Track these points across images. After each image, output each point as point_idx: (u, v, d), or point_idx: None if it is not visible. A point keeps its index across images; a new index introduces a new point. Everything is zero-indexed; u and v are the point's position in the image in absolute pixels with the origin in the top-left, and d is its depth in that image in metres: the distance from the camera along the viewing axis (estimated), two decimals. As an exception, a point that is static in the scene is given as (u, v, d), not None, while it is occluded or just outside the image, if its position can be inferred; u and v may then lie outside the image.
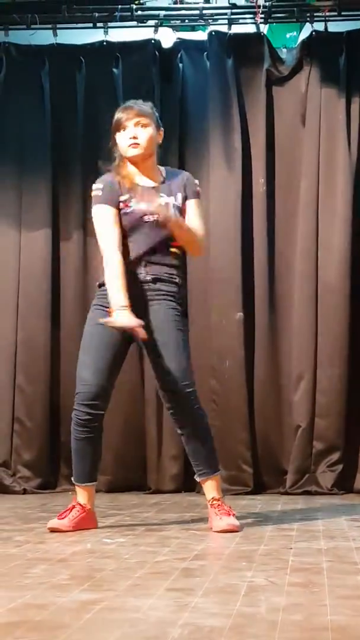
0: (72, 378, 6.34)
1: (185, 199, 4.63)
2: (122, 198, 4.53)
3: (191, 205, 4.64)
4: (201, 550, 3.86)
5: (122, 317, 4.35)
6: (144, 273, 4.53)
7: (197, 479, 4.66)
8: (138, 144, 4.56)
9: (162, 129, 4.72)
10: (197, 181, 4.73)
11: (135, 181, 4.57)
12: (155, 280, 4.54)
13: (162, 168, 4.73)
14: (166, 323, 4.53)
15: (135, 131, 4.56)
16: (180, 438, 4.68)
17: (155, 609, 2.76)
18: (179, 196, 4.61)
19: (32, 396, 6.42)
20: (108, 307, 4.42)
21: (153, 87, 6.50)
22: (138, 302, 4.45)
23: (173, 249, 4.58)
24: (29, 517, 5.06)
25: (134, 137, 4.55)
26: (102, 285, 4.57)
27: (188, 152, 6.51)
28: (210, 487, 4.60)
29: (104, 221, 4.53)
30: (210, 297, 6.31)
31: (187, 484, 6.28)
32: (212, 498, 4.57)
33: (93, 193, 4.58)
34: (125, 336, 4.49)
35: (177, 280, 4.60)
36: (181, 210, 4.59)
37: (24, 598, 2.92)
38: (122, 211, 4.52)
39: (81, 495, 4.61)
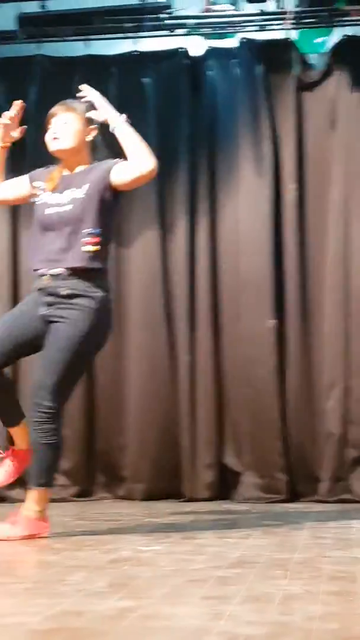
0: (109, 387, 6.44)
1: (104, 178, 4.48)
2: (34, 184, 4.64)
3: (118, 162, 4.54)
4: (236, 559, 3.87)
5: None
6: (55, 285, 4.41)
7: None
8: (57, 138, 4.58)
9: (93, 126, 4.66)
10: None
11: (56, 179, 4.58)
12: (71, 296, 4.39)
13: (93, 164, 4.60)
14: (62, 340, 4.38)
15: (56, 127, 4.60)
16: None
17: (191, 617, 2.77)
18: (86, 187, 4.45)
19: (69, 405, 6.43)
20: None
21: (183, 96, 6.53)
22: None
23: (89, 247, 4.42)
24: (67, 525, 5.09)
25: (54, 132, 4.60)
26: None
27: (218, 159, 6.53)
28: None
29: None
30: (241, 304, 6.31)
31: (222, 492, 6.30)
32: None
33: None
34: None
35: (94, 292, 4.41)
36: (95, 199, 4.43)
37: (61, 605, 2.95)
38: (32, 200, 4.62)
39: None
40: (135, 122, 6.53)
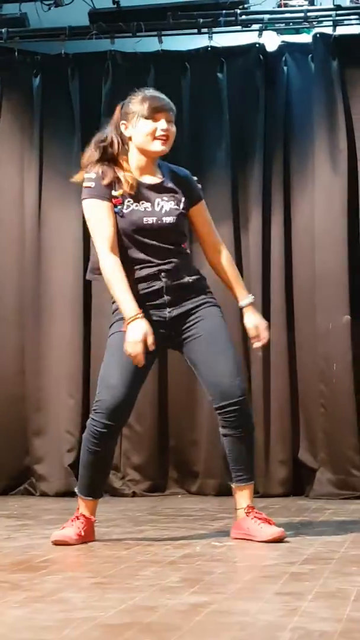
0: (181, 383, 6.44)
1: (191, 201, 4.34)
2: (114, 193, 4.20)
3: (202, 208, 4.41)
4: (310, 555, 3.84)
5: (135, 333, 4.09)
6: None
7: (234, 485, 4.34)
8: (167, 140, 4.26)
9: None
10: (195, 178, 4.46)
11: (136, 179, 4.24)
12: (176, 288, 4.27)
13: (161, 166, 4.39)
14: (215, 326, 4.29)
15: (168, 125, 4.25)
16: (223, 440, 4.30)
17: (265, 613, 2.75)
18: (183, 200, 4.30)
19: (141, 400, 6.40)
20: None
21: (258, 91, 6.51)
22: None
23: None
24: (139, 520, 5.10)
25: (166, 131, 4.24)
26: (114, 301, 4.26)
27: (293, 155, 6.50)
28: (247, 495, 4.33)
29: (101, 216, 4.19)
30: (317, 300, 6.26)
31: (296, 489, 6.27)
32: (248, 506, 4.31)
33: (85, 183, 4.23)
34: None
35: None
36: (185, 214, 4.30)
37: (134, 600, 2.95)
38: (116, 209, 4.20)
39: (86, 507, 4.32)
40: (210, 118, 6.58)
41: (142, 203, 4.22)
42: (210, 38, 6.56)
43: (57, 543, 4.16)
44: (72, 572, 3.52)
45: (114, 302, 4.29)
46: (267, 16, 6.52)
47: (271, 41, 6.60)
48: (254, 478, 4.35)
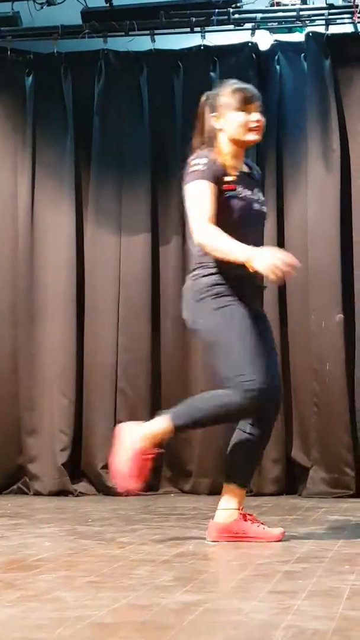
0: (174, 382, 6.45)
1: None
2: (227, 178, 4.18)
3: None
4: (304, 553, 3.84)
5: (265, 257, 3.94)
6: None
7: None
8: (260, 129, 4.31)
9: None
10: None
11: (237, 167, 4.27)
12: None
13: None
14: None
15: (259, 116, 4.30)
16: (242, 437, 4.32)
17: (258, 612, 2.76)
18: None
19: (134, 400, 6.48)
20: (241, 293, 4.10)
21: (251, 90, 6.50)
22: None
23: None
24: (132, 519, 5.10)
25: (258, 122, 4.29)
26: (212, 274, 4.14)
27: (286, 154, 6.50)
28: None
29: (204, 195, 4.13)
30: (310, 299, 6.27)
31: (289, 487, 6.27)
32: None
33: (193, 168, 4.20)
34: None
35: None
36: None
37: (127, 599, 2.95)
38: (229, 194, 4.18)
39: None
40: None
41: (246, 190, 4.23)
42: (203, 37, 6.57)
43: None
44: (66, 571, 3.51)
45: (204, 285, 4.15)
46: (259, 15, 6.53)
47: (264, 40, 6.60)
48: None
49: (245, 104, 4.28)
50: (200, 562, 3.67)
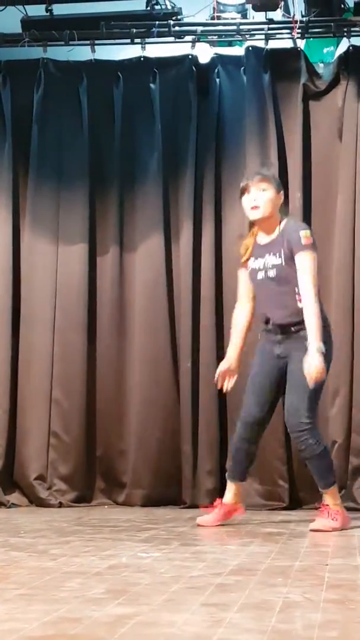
0: (110, 392, 6.43)
1: (291, 253, 5.04)
2: (242, 260, 5.26)
3: (298, 259, 5.04)
4: (236, 566, 3.85)
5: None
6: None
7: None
8: (258, 206, 5.08)
9: (282, 191, 5.25)
10: (303, 232, 5.09)
11: (250, 247, 5.21)
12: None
13: (283, 222, 5.17)
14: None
15: (256, 195, 5.08)
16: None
17: (191, 624, 2.75)
18: (282, 253, 5.06)
19: (68, 410, 6.44)
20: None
21: (190, 102, 6.53)
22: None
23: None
24: (65, 531, 5.07)
25: (254, 200, 5.09)
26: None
27: (224, 167, 6.52)
28: (325, 497, 5.13)
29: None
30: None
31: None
32: (321, 504, 5.15)
33: (312, 240, 5.11)
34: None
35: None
36: (289, 265, 5.04)
37: (59, 611, 2.93)
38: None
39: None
40: (142, 128, 6.58)
41: (256, 261, 5.28)
42: (143, 48, 6.57)
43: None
44: (-3, 583, 3.48)
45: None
46: (200, 28, 6.56)
47: (204, 53, 6.63)
48: (327, 486, 5.15)
49: (245, 190, 5.16)
50: (133, 575, 3.65)
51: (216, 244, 6.45)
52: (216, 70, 6.57)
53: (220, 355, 6.34)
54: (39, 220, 6.57)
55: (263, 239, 5.19)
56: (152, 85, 6.58)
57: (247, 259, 5.21)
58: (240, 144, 6.46)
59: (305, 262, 5.01)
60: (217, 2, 6.47)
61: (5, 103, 6.63)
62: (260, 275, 5.13)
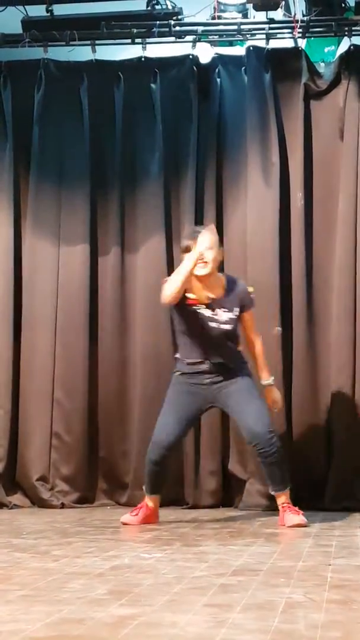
0: (112, 393, 6.43)
1: (242, 309, 5.46)
2: (191, 295, 5.39)
3: (247, 316, 5.51)
4: (239, 566, 3.84)
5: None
6: None
7: (272, 492, 5.43)
8: (207, 263, 5.34)
9: (222, 248, 5.54)
10: (249, 289, 5.52)
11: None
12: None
13: (222, 277, 5.50)
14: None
15: (205, 253, 5.32)
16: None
17: (193, 625, 2.74)
18: (236, 310, 5.43)
19: (70, 411, 6.44)
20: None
21: (191, 102, 6.52)
22: None
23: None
24: (67, 532, 5.07)
25: (205, 257, 5.33)
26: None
27: (225, 167, 6.52)
28: (281, 498, 5.38)
29: None
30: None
31: (226, 500, 6.27)
32: (282, 502, 5.36)
33: None
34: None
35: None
36: (238, 319, 5.45)
37: (61, 613, 2.92)
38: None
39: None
40: (143, 128, 6.58)
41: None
42: (144, 48, 6.57)
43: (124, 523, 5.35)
44: (-1, 584, 3.48)
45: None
46: (201, 28, 6.55)
47: (205, 53, 6.62)
48: (286, 487, 5.39)
49: (188, 249, 5.38)
50: (135, 575, 3.65)
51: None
52: (217, 70, 6.56)
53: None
54: (40, 222, 6.57)
55: (208, 291, 5.44)
56: (152, 86, 6.57)
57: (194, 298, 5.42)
58: (242, 143, 6.45)
59: (252, 317, 5.55)
60: (217, 1, 6.46)
61: (6, 103, 6.63)
62: (213, 324, 5.42)
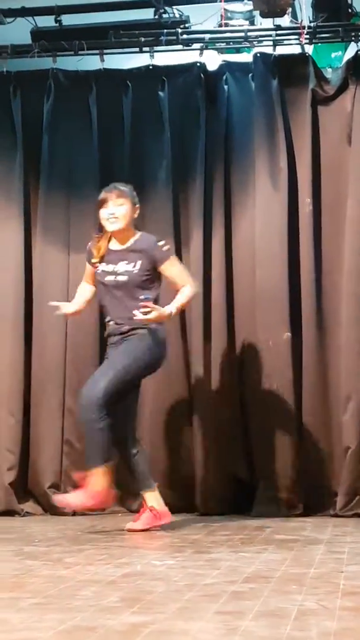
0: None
1: (154, 264, 5.50)
2: (92, 260, 5.64)
3: (166, 268, 5.52)
4: (251, 573, 3.84)
5: None
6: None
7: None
8: (116, 218, 5.52)
9: (137, 205, 5.63)
10: (161, 242, 5.56)
11: (103, 250, 5.61)
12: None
13: (137, 236, 5.61)
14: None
15: (114, 208, 5.53)
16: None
17: (205, 632, 2.75)
18: (139, 263, 5.49)
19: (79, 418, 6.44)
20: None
21: (198, 109, 6.54)
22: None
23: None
24: (79, 539, 5.08)
25: (112, 214, 5.52)
26: None
27: (234, 173, 6.53)
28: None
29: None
30: (258, 317, 6.29)
31: (237, 507, 6.26)
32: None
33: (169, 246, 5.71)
34: None
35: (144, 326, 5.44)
36: (144, 274, 5.48)
37: (73, 620, 2.93)
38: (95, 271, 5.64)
39: None
40: (151, 136, 6.59)
41: (108, 265, 5.66)
42: (152, 57, 6.59)
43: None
44: (11, 592, 3.49)
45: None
46: (208, 35, 6.56)
47: (212, 60, 6.63)
48: (96, 464, 5.37)
49: (102, 203, 5.58)
50: (147, 583, 3.66)
51: (226, 249, 6.46)
52: (224, 77, 6.58)
53: (232, 359, 6.37)
54: (50, 229, 6.59)
55: (116, 246, 5.61)
56: (160, 93, 6.59)
57: (99, 261, 5.62)
58: (249, 150, 6.46)
59: (176, 267, 5.58)
60: (224, 9, 6.47)
61: (16, 113, 6.65)
62: (110, 278, 5.54)
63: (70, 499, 5.57)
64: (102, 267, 5.60)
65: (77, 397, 5.39)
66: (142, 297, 5.45)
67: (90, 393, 5.34)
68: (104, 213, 5.59)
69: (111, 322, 5.58)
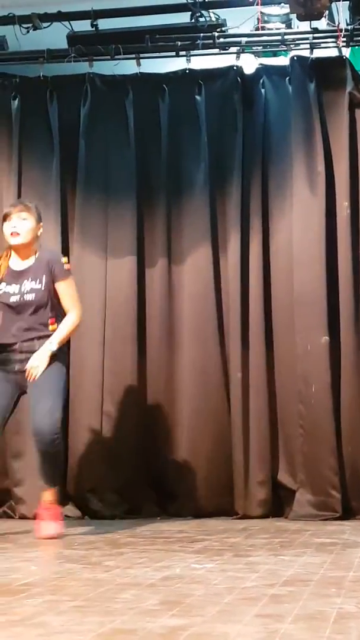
0: (160, 404, 6.45)
1: (53, 278, 5.43)
2: None
3: (60, 286, 5.45)
4: (290, 576, 3.83)
5: None
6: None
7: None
8: (18, 233, 5.43)
9: (41, 223, 5.55)
10: (65, 259, 5.57)
11: (3, 270, 5.48)
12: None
13: (40, 252, 5.52)
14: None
15: (16, 222, 5.44)
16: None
17: (244, 636, 2.75)
18: (44, 278, 5.41)
19: (120, 423, 6.46)
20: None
21: (236, 113, 6.54)
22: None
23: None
24: (118, 542, 5.08)
25: (14, 227, 5.44)
26: None
27: (271, 177, 6.52)
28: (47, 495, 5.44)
29: None
30: (296, 321, 6.28)
31: (275, 510, 6.26)
32: (46, 500, 5.42)
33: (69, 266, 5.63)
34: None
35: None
36: (50, 289, 5.41)
37: (113, 623, 2.94)
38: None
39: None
40: (188, 140, 6.60)
41: (10, 286, 5.52)
42: (188, 61, 6.60)
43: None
44: (52, 595, 3.50)
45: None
46: (244, 39, 6.56)
47: (249, 64, 6.63)
48: (52, 485, 5.45)
49: (5, 217, 5.49)
50: (186, 586, 3.66)
51: (264, 255, 6.45)
52: (261, 81, 6.58)
53: (270, 365, 6.36)
54: (88, 234, 6.61)
55: (18, 264, 5.50)
56: (197, 97, 6.60)
57: None
58: (287, 154, 6.46)
59: (71, 288, 5.50)
60: (261, 12, 6.47)
61: (53, 118, 6.68)
62: (14, 299, 5.42)
63: (51, 530, 5.37)
64: (4, 288, 5.46)
65: (32, 425, 5.32)
66: (49, 316, 5.43)
67: (50, 428, 5.26)
68: (6, 227, 5.49)
69: (17, 344, 5.41)
